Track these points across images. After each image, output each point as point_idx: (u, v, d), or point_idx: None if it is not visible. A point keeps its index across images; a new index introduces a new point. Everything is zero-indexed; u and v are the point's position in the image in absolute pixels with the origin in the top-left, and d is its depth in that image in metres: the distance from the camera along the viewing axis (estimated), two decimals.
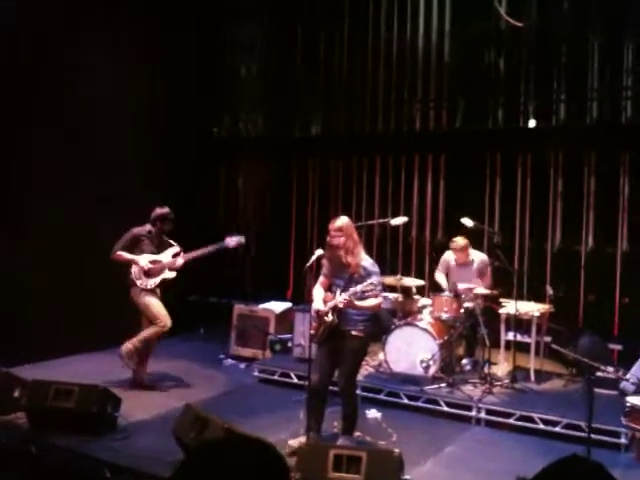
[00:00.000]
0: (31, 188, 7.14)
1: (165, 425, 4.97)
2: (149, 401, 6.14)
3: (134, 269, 6.34)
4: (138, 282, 6.33)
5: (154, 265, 6.36)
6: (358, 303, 4.77)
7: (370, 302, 4.81)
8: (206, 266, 7.98)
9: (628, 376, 5.80)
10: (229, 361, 7.70)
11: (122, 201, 7.67)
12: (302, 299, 8.12)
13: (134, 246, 6.38)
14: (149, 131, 8.47)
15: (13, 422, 5.32)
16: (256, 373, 7.08)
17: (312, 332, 5.00)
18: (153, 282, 6.35)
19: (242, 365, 7.55)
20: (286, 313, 7.79)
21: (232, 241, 6.44)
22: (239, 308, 8.03)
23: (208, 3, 9.63)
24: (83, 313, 7.23)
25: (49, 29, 7.23)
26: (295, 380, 6.71)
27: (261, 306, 7.97)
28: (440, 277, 7.26)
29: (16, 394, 5.42)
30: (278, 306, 7.93)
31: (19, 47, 7.03)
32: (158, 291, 6.48)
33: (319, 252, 5.04)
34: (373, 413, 5.90)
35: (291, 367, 6.88)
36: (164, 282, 6.43)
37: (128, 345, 6.28)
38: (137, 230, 6.43)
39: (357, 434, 5.24)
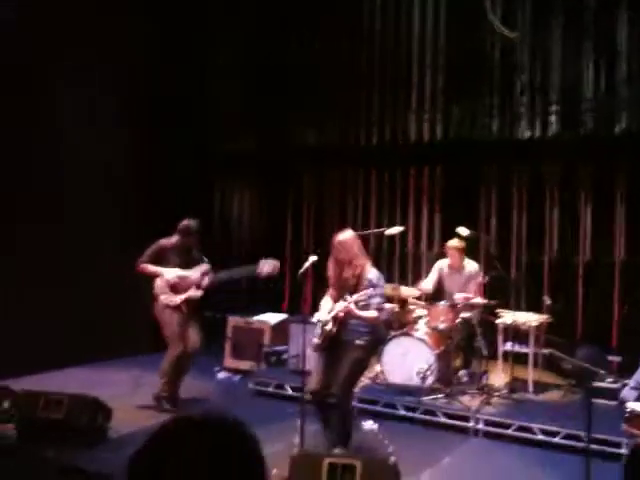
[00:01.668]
0: (16, 211, 7.00)
1: None
2: (141, 413, 6.03)
3: (159, 282, 5.96)
4: (162, 297, 5.96)
5: (181, 280, 5.99)
6: (358, 312, 4.76)
7: (370, 313, 4.81)
8: None
9: (629, 382, 5.71)
10: (223, 374, 7.61)
11: (113, 221, 7.61)
12: (298, 311, 8.06)
13: (160, 258, 6.00)
14: (140, 152, 8.39)
15: (2, 434, 5.21)
16: (251, 385, 6.99)
17: (317, 342, 4.98)
18: (178, 299, 5.96)
19: (236, 378, 7.45)
20: (281, 325, 7.71)
21: (266, 267, 5.90)
22: (234, 320, 7.95)
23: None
24: (80, 324, 7.16)
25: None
26: (290, 392, 6.62)
27: (256, 318, 7.89)
28: (425, 283, 7.16)
29: (5, 405, 5.32)
30: (273, 318, 7.85)
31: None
32: (185, 309, 6.05)
33: (313, 258, 5.02)
34: (369, 424, 5.80)
35: (286, 379, 6.79)
36: (189, 300, 6.02)
37: (157, 393, 6.01)
38: (163, 242, 6.06)
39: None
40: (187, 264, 6.07)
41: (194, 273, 6.03)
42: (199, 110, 9.50)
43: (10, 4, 6.91)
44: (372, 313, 4.81)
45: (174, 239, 6.06)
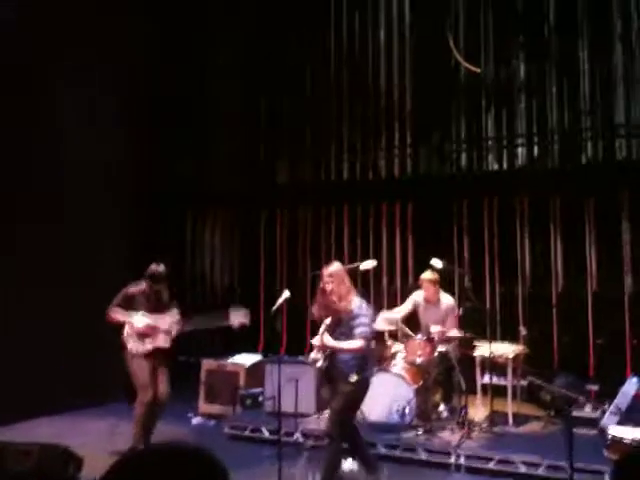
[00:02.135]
0: None
1: None
2: (113, 461, 5.80)
3: (127, 330, 5.84)
4: (129, 345, 5.84)
5: (150, 328, 5.85)
6: (333, 343, 4.78)
7: (350, 344, 4.79)
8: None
9: (609, 408, 5.68)
10: (198, 419, 7.40)
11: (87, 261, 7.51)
12: (274, 351, 7.94)
13: (129, 305, 5.88)
14: (112, 188, 8.32)
15: None
16: (226, 430, 6.81)
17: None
18: (145, 349, 5.84)
19: (211, 422, 7.25)
20: (256, 366, 7.56)
21: (237, 319, 5.82)
22: (208, 363, 7.77)
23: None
24: (51, 373, 6.98)
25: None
26: (267, 435, 6.46)
27: (230, 360, 7.73)
28: (396, 311, 7.09)
29: None
30: (248, 359, 7.70)
31: None
32: (154, 357, 5.91)
33: (286, 294, 4.97)
34: (349, 464, 5.64)
35: (262, 422, 6.63)
36: (157, 350, 5.89)
37: (132, 444, 5.81)
38: (132, 289, 5.93)
39: None
40: (157, 309, 5.96)
41: (164, 321, 5.91)
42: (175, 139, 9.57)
43: (10, 4, 6.91)
44: (354, 343, 4.78)
45: (142, 285, 5.96)
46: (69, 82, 7.57)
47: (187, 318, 6.01)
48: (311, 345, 5.11)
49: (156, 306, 5.96)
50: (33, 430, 6.57)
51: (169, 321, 5.91)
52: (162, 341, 5.88)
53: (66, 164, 7.49)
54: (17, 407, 6.66)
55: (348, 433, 5.01)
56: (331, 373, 4.93)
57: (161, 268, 5.93)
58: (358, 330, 4.80)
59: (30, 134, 7.15)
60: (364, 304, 4.94)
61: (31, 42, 7.09)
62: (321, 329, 5.00)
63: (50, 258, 7.25)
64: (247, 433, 6.66)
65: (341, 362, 4.86)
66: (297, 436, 6.28)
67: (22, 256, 7.04)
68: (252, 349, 8.58)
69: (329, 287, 4.87)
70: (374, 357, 6.30)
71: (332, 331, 4.87)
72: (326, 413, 5.26)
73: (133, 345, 5.83)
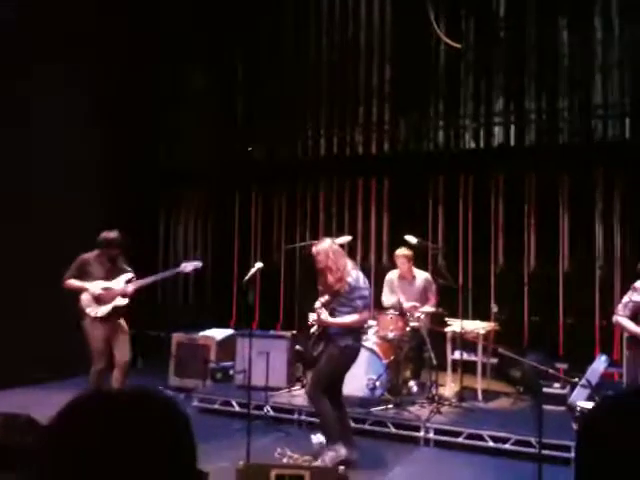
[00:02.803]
0: None
1: None
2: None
3: (84, 296, 5.91)
4: (87, 310, 5.89)
5: (105, 292, 5.94)
6: (329, 320, 4.84)
7: (345, 319, 4.85)
8: (146, 299, 7.69)
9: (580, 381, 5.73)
10: (168, 392, 7.32)
11: (62, 229, 7.36)
12: (247, 326, 7.88)
13: (83, 273, 5.96)
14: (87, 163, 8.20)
15: None
16: (196, 403, 6.75)
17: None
18: (105, 310, 5.91)
19: (181, 395, 7.19)
20: (228, 340, 7.50)
21: (189, 266, 6.16)
22: (178, 337, 7.69)
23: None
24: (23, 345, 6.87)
25: None
26: (237, 408, 6.42)
27: (201, 334, 7.66)
28: (386, 296, 7.09)
29: None
30: (219, 333, 7.64)
31: None
32: (121, 322, 6.02)
33: (259, 265, 4.93)
34: (318, 438, 5.63)
35: (233, 395, 6.59)
36: (116, 309, 5.98)
37: None
38: (85, 256, 6.01)
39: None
40: (112, 275, 6.04)
41: (118, 283, 6.03)
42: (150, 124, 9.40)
43: None
44: (349, 318, 4.85)
45: (96, 252, 6.03)
46: (39, 83, 7.49)
47: (141, 277, 6.14)
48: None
49: (110, 271, 6.04)
50: None
51: (123, 280, 6.03)
52: (119, 301, 5.98)
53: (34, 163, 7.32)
54: None
55: (331, 401, 4.99)
56: (325, 339, 4.97)
57: (113, 234, 6.00)
58: (356, 303, 4.85)
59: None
60: (361, 276, 4.96)
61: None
62: (317, 304, 4.99)
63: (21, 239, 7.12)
64: (217, 406, 6.61)
65: (333, 330, 4.92)
66: (267, 409, 6.25)
67: None
68: (225, 324, 8.52)
69: (319, 265, 4.93)
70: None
71: (331, 303, 4.91)
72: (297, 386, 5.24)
73: (91, 310, 5.91)
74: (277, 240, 9.20)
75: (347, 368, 5.12)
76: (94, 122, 8.27)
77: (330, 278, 4.88)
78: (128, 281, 6.04)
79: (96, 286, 5.94)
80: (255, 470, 3.94)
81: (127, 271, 6.10)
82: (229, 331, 7.79)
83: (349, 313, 4.89)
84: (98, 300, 5.92)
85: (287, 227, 9.13)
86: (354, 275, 4.92)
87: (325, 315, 4.87)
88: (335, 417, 5.03)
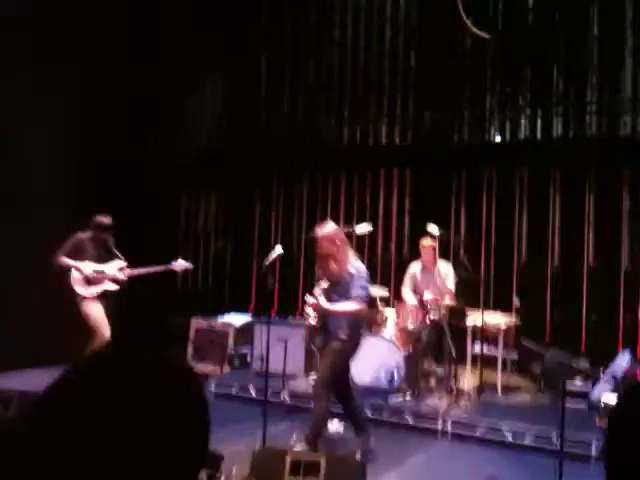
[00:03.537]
0: None
1: None
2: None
3: (75, 275, 6.06)
4: (77, 289, 6.06)
5: (96, 274, 6.12)
6: (327, 306, 4.71)
7: (344, 306, 4.71)
8: (167, 286, 7.73)
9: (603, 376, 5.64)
10: None
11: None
12: (266, 313, 7.85)
13: (77, 251, 6.11)
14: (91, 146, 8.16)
15: None
16: (213, 388, 6.76)
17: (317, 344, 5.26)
18: (94, 290, 6.10)
19: None
20: (246, 326, 7.50)
21: (179, 265, 6.37)
22: (197, 322, 7.71)
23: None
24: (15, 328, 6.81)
25: None
26: (254, 394, 6.41)
27: (220, 320, 7.66)
28: (407, 293, 7.03)
29: None
30: (237, 319, 7.63)
31: None
32: (106, 302, 6.20)
33: (278, 250, 4.87)
34: (335, 425, 5.61)
35: (250, 381, 6.58)
36: (105, 293, 6.17)
37: None
38: (80, 236, 6.17)
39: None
40: (101, 258, 6.20)
41: (110, 268, 6.19)
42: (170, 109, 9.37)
43: None
44: (349, 305, 4.71)
45: (89, 233, 6.19)
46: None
47: (133, 266, 6.31)
48: (304, 301, 5.04)
49: (102, 254, 6.21)
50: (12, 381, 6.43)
51: (116, 267, 6.20)
52: (109, 285, 6.16)
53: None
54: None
55: (341, 393, 4.94)
56: (323, 329, 4.89)
57: (107, 219, 6.18)
58: (354, 292, 4.73)
59: None
60: (362, 267, 4.86)
61: None
62: (316, 290, 4.91)
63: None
64: (234, 392, 6.61)
65: (333, 320, 4.80)
66: (284, 396, 6.23)
67: None
68: (243, 310, 8.52)
69: (322, 251, 4.80)
70: (366, 320, 6.25)
71: (329, 291, 4.79)
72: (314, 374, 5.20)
73: (81, 289, 6.05)
74: (297, 227, 9.16)
75: (350, 360, 5.04)
76: (112, 103, 8.20)
77: (333, 266, 4.77)
78: (120, 268, 6.21)
79: (88, 267, 6.09)
80: (271, 455, 3.92)
81: (119, 258, 6.26)
82: (248, 317, 7.79)
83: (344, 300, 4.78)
84: (88, 281, 6.08)
85: (308, 214, 9.07)
86: (356, 265, 4.81)
87: (324, 301, 4.74)
88: (353, 410, 5.03)
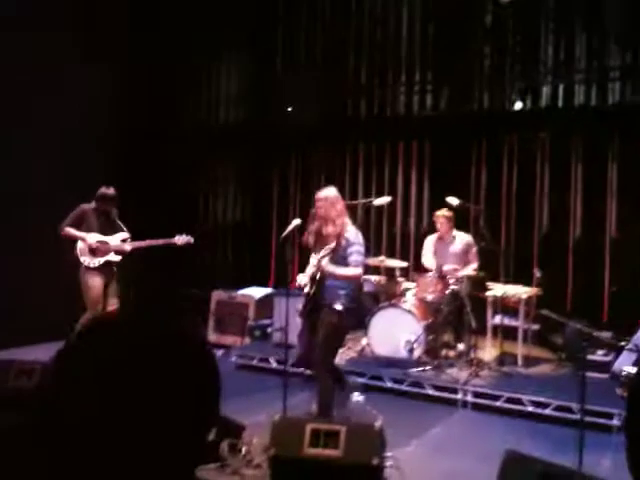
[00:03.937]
0: None
1: None
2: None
3: (80, 245, 6.14)
4: (82, 259, 6.14)
5: (101, 245, 6.20)
6: (331, 267, 4.60)
7: (347, 270, 4.63)
8: (189, 259, 7.75)
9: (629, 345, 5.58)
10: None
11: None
12: (284, 285, 7.86)
13: (81, 223, 6.21)
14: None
15: None
16: (234, 359, 6.82)
17: (300, 307, 4.93)
18: (97, 261, 6.16)
19: (219, 352, 7.27)
20: (266, 298, 7.54)
21: (181, 239, 6.39)
22: (217, 295, 7.76)
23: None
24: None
25: None
26: (274, 365, 6.46)
27: (240, 292, 7.70)
28: (428, 260, 6.98)
29: None
30: (258, 292, 7.67)
31: None
32: (104, 272, 6.20)
33: (296, 222, 4.86)
34: (355, 396, 5.63)
35: (270, 352, 6.63)
36: (108, 263, 6.22)
37: None
38: (85, 207, 6.25)
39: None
40: (105, 229, 6.28)
41: (114, 239, 6.26)
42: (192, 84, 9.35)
43: None
44: (351, 270, 4.63)
45: (93, 204, 6.27)
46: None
47: (136, 239, 6.37)
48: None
49: (105, 225, 6.28)
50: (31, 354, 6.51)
51: (120, 238, 6.28)
52: (113, 256, 6.22)
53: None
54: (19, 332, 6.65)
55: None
56: (317, 300, 4.74)
57: (110, 190, 6.25)
58: (352, 258, 4.65)
59: None
60: (359, 234, 4.78)
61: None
62: (312, 260, 4.85)
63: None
64: (255, 363, 6.67)
65: (329, 290, 4.69)
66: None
67: None
68: (263, 283, 8.55)
69: (320, 211, 4.74)
70: (363, 297, 6.22)
71: (326, 256, 4.68)
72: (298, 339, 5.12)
73: (86, 259, 6.13)
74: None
75: (347, 331, 4.99)
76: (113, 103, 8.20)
77: (330, 229, 4.69)
78: (123, 240, 6.28)
79: (92, 237, 6.18)
80: (291, 424, 3.94)
81: (123, 230, 6.34)
82: (267, 290, 7.82)
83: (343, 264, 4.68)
84: (93, 251, 6.16)
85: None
86: (352, 231, 4.74)
87: (326, 262, 4.62)
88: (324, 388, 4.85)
